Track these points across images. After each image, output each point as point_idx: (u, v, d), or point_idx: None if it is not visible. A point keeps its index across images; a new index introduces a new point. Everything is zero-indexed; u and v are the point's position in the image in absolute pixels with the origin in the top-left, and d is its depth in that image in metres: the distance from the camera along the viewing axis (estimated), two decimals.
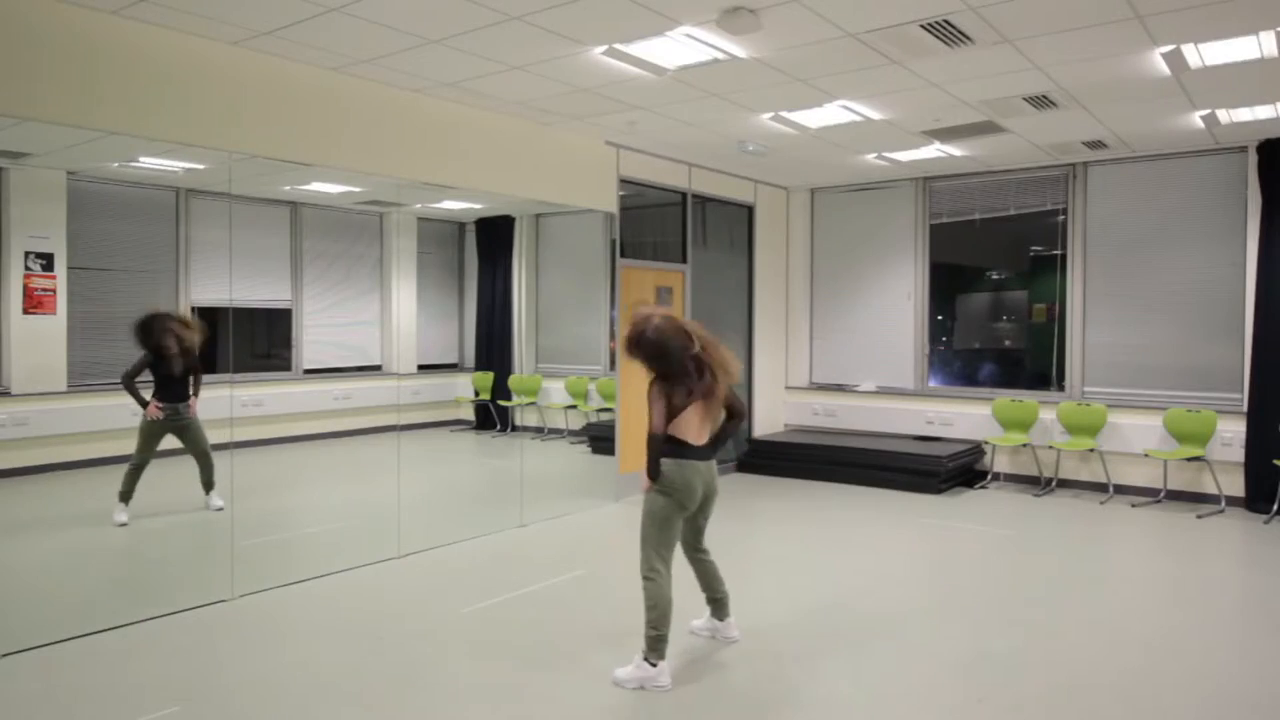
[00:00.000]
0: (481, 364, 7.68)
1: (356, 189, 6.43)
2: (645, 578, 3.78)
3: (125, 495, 5.04)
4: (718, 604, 4.22)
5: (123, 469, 5.06)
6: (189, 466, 5.31)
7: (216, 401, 5.25)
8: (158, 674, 3.80)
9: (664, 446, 3.79)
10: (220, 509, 5.22)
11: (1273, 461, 6.89)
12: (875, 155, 7.86)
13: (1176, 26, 4.60)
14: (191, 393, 5.25)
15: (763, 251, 9.40)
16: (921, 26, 4.61)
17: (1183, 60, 5.11)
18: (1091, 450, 7.75)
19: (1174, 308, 7.69)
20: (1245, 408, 7.16)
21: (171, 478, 5.32)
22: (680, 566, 4.01)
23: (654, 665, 3.70)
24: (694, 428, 3.84)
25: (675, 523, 3.86)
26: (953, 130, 6.86)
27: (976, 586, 5.19)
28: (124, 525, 5.04)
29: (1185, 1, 4.26)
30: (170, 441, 5.22)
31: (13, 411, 4.79)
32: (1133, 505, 7.34)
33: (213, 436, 5.25)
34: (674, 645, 3.86)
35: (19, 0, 4.11)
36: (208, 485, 5.33)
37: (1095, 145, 7.39)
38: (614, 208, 7.48)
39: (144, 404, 5.06)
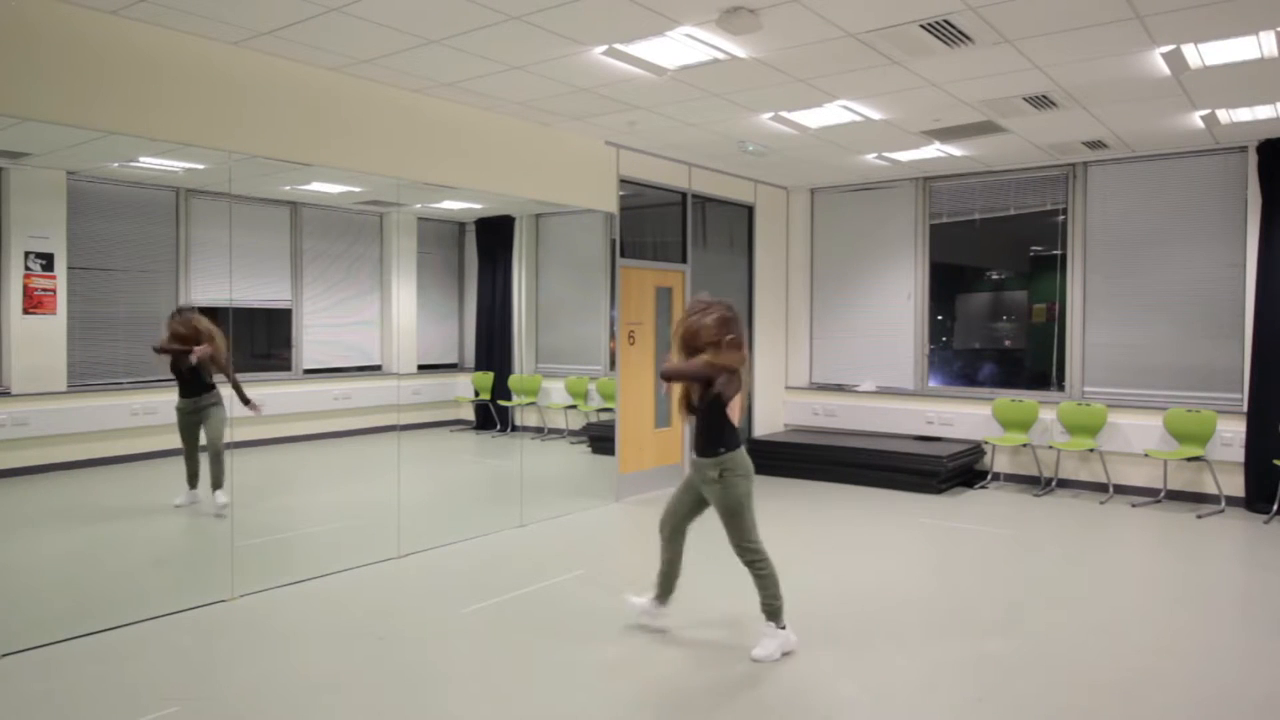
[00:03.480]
0: (481, 364, 7.68)
1: (356, 189, 6.43)
2: (753, 562, 4.06)
3: (190, 479, 5.31)
4: (667, 589, 4.33)
5: (123, 469, 5.12)
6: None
7: None
8: (158, 674, 3.81)
9: (725, 435, 4.04)
10: (224, 507, 5.21)
11: (1273, 461, 6.89)
12: (875, 155, 7.86)
13: (1176, 26, 4.60)
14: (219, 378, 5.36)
15: (763, 251, 9.40)
16: (921, 26, 4.61)
17: (1183, 60, 5.11)
18: (1091, 450, 7.74)
19: (1174, 308, 7.69)
20: (1245, 408, 7.16)
21: (171, 477, 5.32)
22: (700, 552, 4.01)
23: (784, 628, 4.03)
24: (736, 415, 4.13)
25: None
26: (953, 130, 6.86)
27: (976, 586, 5.19)
28: (180, 507, 5.35)
29: (1185, 1, 4.26)
30: (169, 441, 5.23)
31: (13, 411, 4.78)
32: (1133, 505, 7.34)
33: None
34: (675, 646, 3.86)
35: (19, 0, 4.11)
36: (215, 483, 5.33)
37: (1095, 145, 7.39)
38: (614, 208, 7.48)
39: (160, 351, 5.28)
